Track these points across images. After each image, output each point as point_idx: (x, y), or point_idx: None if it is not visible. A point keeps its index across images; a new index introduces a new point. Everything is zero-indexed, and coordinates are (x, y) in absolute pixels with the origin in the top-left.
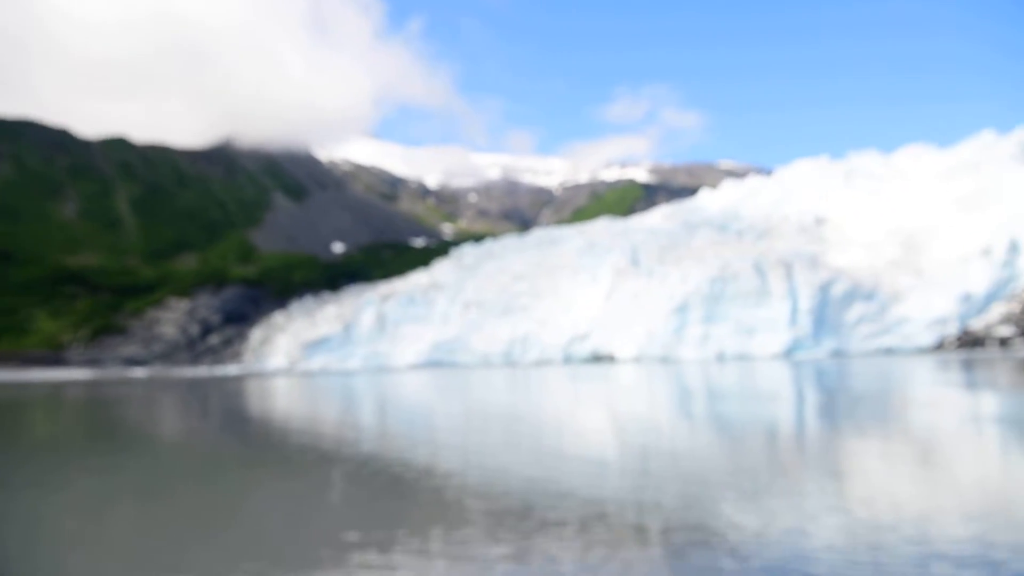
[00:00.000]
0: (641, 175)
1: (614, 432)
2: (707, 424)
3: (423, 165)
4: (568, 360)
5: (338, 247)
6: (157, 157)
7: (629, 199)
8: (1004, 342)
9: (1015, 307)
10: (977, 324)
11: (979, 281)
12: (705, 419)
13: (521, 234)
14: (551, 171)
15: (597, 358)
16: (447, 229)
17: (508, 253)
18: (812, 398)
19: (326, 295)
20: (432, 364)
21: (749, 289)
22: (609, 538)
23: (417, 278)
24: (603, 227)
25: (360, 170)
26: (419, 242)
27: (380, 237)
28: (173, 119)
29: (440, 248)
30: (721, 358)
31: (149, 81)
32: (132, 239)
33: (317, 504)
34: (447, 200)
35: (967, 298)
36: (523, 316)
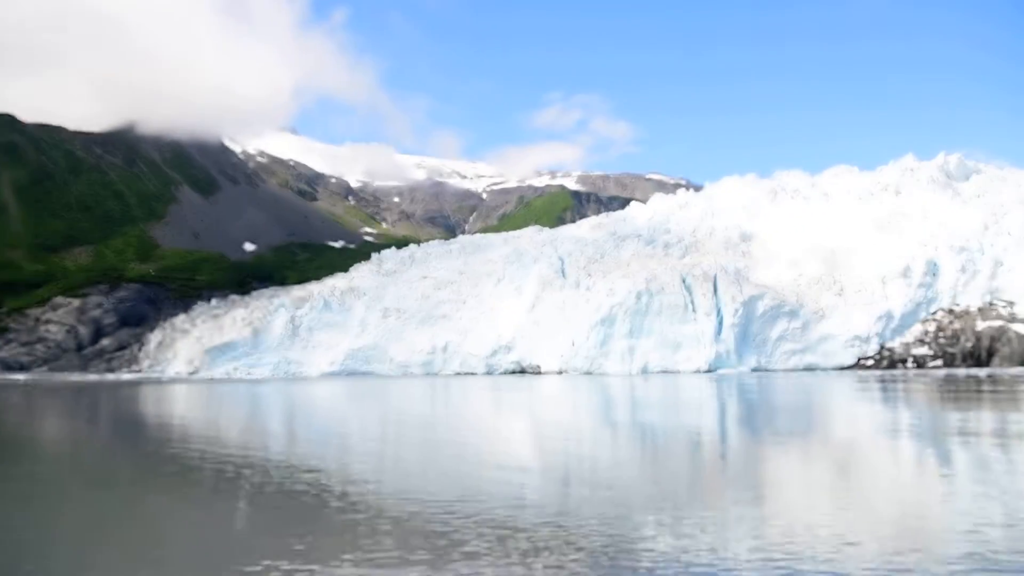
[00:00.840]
0: (571, 183)
1: (533, 446)
2: (628, 438)
3: (344, 163)
4: (491, 371)
5: (249, 246)
6: (48, 139)
7: (558, 207)
8: (920, 362)
9: (932, 328)
10: (895, 343)
11: (898, 301)
12: (626, 433)
13: (446, 240)
14: (479, 175)
15: (521, 370)
16: (368, 231)
17: (431, 259)
18: (733, 413)
19: (234, 298)
20: (347, 373)
21: (675, 303)
22: (523, 555)
23: (334, 282)
24: (530, 236)
25: (276, 165)
26: (337, 244)
27: (295, 237)
28: (68, 98)
29: (360, 251)
30: (646, 372)
31: (42, 54)
32: (16, 230)
33: (207, 525)
34: (369, 201)
35: (886, 318)
36: (445, 325)
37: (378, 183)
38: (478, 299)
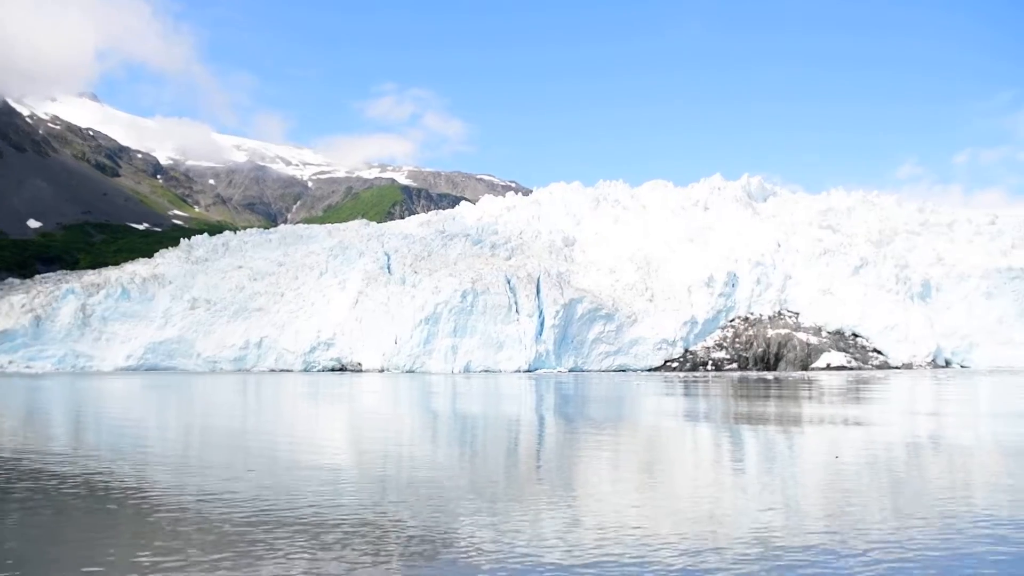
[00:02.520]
0: (402, 178)
1: (349, 444)
2: (446, 436)
3: (153, 137)
4: (309, 369)
5: (33, 223)
6: None
7: (388, 201)
8: (719, 364)
9: (729, 334)
10: (698, 347)
11: (702, 309)
12: (444, 431)
13: (266, 228)
14: (305, 163)
15: (341, 368)
16: (178, 215)
17: (249, 248)
18: (549, 412)
19: (12, 281)
20: (147, 368)
21: (499, 304)
22: (336, 553)
23: (135, 268)
24: (357, 229)
25: (72, 133)
26: (141, 226)
27: (91, 216)
28: None
29: (167, 235)
30: (468, 371)
31: None
32: None
33: None
34: (180, 181)
35: (691, 323)
36: (260, 319)
37: (191, 162)
38: (298, 293)
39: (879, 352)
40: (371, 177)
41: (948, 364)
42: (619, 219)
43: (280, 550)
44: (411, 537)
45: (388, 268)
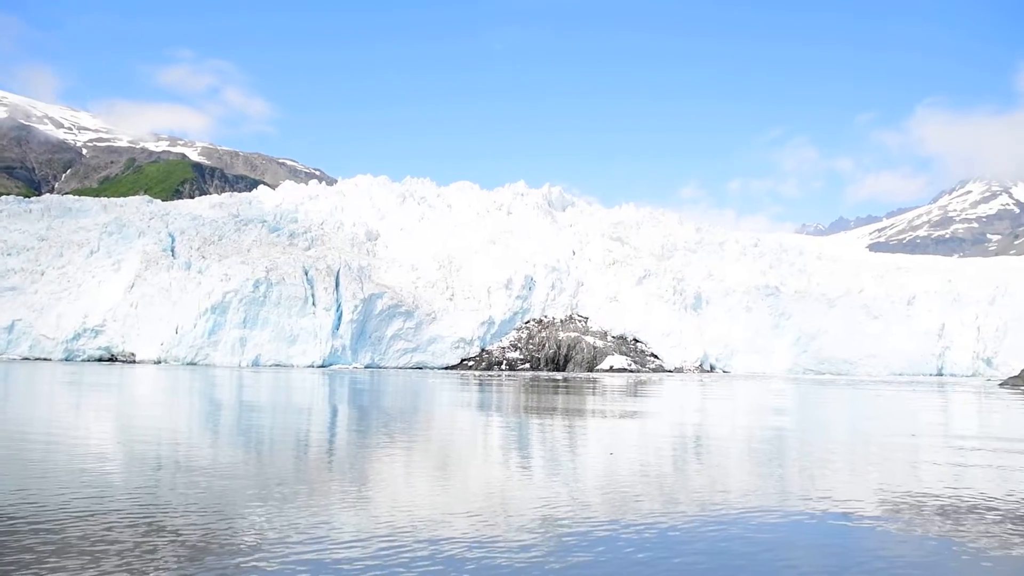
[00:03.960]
0: (194, 154)
1: (120, 438)
2: (231, 431)
3: None
4: (71, 357)
5: None
6: None
7: (176, 178)
8: (512, 364)
9: (524, 335)
10: (494, 347)
11: (499, 309)
12: (230, 426)
13: (27, 196)
14: (80, 127)
15: (111, 357)
16: None
17: (3, 217)
18: (343, 407)
19: None
20: None
21: (295, 295)
22: (102, 552)
23: None
24: (138, 205)
25: None
26: None
27: None
28: None
29: None
30: (257, 365)
31: None
32: None
33: None
34: None
35: (488, 323)
36: (13, 300)
37: None
38: (62, 272)
39: (656, 356)
40: (158, 150)
41: (712, 369)
42: (424, 217)
43: (28, 568)
44: (186, 541)
45: (172, 251)
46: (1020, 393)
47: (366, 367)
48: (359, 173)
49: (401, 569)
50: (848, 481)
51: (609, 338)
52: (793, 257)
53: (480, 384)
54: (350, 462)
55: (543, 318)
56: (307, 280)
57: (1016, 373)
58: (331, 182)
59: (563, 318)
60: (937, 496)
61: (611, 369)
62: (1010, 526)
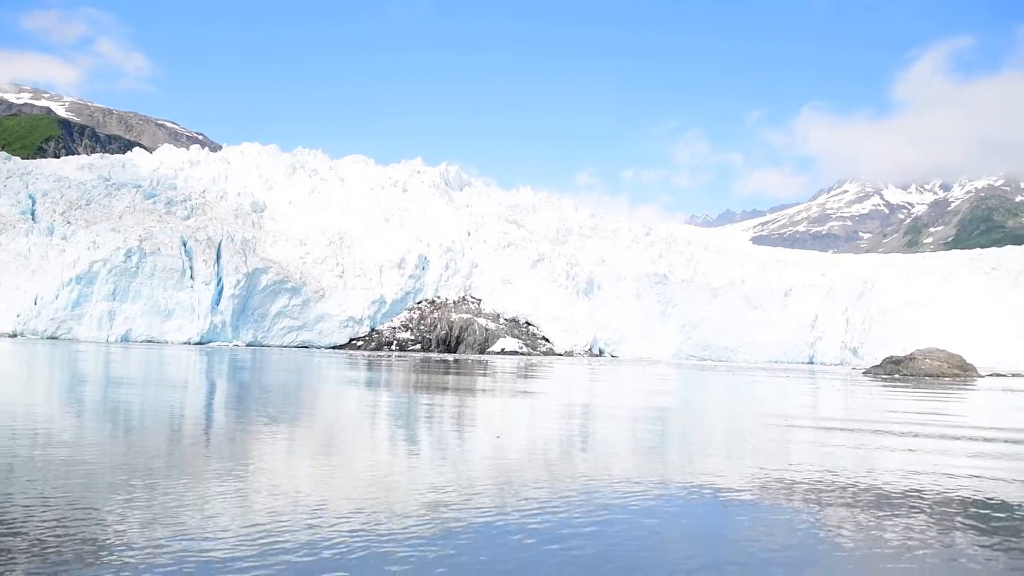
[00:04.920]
0: (61, 109)
1: None
2: (93, 412)
3: None
4: None
5: None
6: None
7: (39, 134)
8: (403, 345)
9: (415, 315)
10: (384, 327)
11: (391, 289)
12: (97, 404)
13: None
14: None
15: None
16: None
17: None
18: (222, 387)
19: None
20: None
21: (171, 267)
22: None
23: None
24: None
25: None
26: None
27: None
28: None
29: None
30: (127, 340)
31: None
32: None
33: None
34: None
35: (379, 303)
36: None
37: None
38: None
39: (547, 340)
40: (19, 102)
41: (602, 353)
42: (315, 190)
43: None
44: (33, 535)
45: (32, 214)
46: (880, 380)
47: (248, 345)
48: (246, 141)
49: (278, 561)
50: (724, 463)
51: (502, 320)
52: (682, 247)
53: (369, 364)
54: (227, 444)
55: (436, 299)
56: (185, 251)
57: (878, 363)
58: (215, 148)
59: (456, 299)
60: (805, 475)
61: (503, 351)
62: (869, 501)
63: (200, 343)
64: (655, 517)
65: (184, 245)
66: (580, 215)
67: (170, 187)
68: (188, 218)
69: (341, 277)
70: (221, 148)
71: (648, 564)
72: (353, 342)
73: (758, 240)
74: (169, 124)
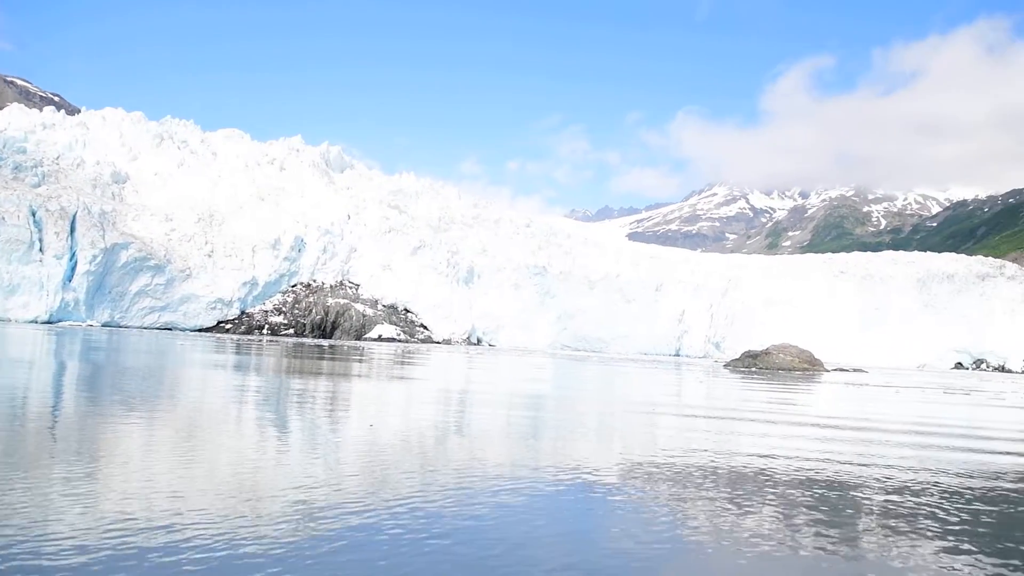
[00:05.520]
0: None
1: None
2: None
3: None
4: None
5: None
6: None
7: None
8: (275, 329)
9: (290, 299)
10: (255, 310)
11: (264, 270)
12: None
13: None
14: None
15: None
16: None
17: None
18: (75, 371)
19: None
20: None
21: (18, 239)
22: None
23: None
24: None
25: None
26: None
27: None
28: None
29: None
30: None
31: None
32: None
33: None
34: None
35: (251, 284)
36: None
37: None
38: None
39: (425, 327)
40: None
41: (479, 342)
42: (185, 163)
43: None
44: None
45: None
46: (739, 373)
47: (103, 325)
48: (108, 106)
49: (130, 566)
50: (594, 451)
51: (380, 307)
52: (561, 240)
53: (238, 348)
54: (74, 435)
55: (312, 282)
56: (34, 222)
57: (737, 356)
58: (72, 111)
59: (333, 284)
60: (668, 458)
61: (380, 338)
62: (726, 480)
63: (49, 322)
64: (525, 505)
65: (33, 215)
66: (463, 204)
67: (18, 151)
68: (39, 186)
69: (210, 256)
70: (80, 112)
71: (520, 560)
72: (221, 325)
73: (634, 236)
74: (20, 82)
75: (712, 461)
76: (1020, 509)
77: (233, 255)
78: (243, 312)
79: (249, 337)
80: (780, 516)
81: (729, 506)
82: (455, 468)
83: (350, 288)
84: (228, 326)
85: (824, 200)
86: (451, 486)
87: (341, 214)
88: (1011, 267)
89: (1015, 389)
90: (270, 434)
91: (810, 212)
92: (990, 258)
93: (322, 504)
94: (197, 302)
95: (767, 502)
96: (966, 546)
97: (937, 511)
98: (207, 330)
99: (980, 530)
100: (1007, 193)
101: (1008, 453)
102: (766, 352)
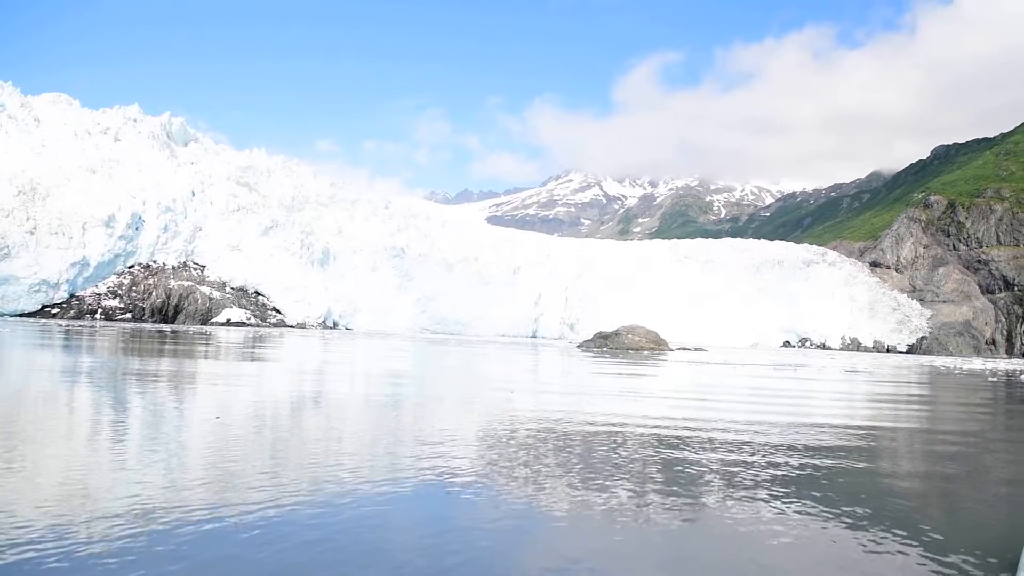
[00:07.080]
0: None
1: None
2: None
3: None
4: None
5: None
6: None
7: None
8: (109, 314)
9: (127, 281)
10: (87, 293)
11: (96, 250)
12: None
13: None
14: None
15: None
16: None
17: None
18: None
19: None
20: None
21: None
22: None
23: None
24: None
25: None
26: None
27: None
28: None
29: None
30: None
31: None
32: None
33: None
34: None
35: (81, 265)
36: None
37: None
38: None
39: (278, 311)
40: None
41: (336, 325)
42: (2, 129)
43: None
44: None
45: None
46: (592, 353)
47: None
48: None
49: None
50: (451, 441)
51: (228, 289)
52: (420, 222)
53: (66, 335)
54: None
55: (151, 263)
56: None
57: (590, 337)
58: None
59: (176, 264)
60: (526, 429)
61: (228, 323)
62: (580, 442)
63: None
64: (381, 506)
65: None
66: (319, 183)
67: None
68: None
69: (32, 234)
70: None
71: (376, 560)
72: (47, 309)
73: (493, 220)
74: None
75: (566, 427)
76: (839, 456)
77: (60, 233)
78: (72, 295)
79: (79, 323)
80: (629, 466)
81: (581, 466)
82: (309, 468)
83: (195, 269)
84: (55, 311)
85: (671, 189)
86: (304, 489)
87: (185, 190)
88: (832, 254)
89: (833, 364)
90: (103, 432)
91: (659, 200)
92: (814, 246)
93: (164, 510)
94: (17, 284)
95: (615, 460)
96: (797, 490)
97: (774, 461)
98: (30, 315)
99: (809, 474)
100: (829, 187)
101: (828, 415)
102: (616, 333)
